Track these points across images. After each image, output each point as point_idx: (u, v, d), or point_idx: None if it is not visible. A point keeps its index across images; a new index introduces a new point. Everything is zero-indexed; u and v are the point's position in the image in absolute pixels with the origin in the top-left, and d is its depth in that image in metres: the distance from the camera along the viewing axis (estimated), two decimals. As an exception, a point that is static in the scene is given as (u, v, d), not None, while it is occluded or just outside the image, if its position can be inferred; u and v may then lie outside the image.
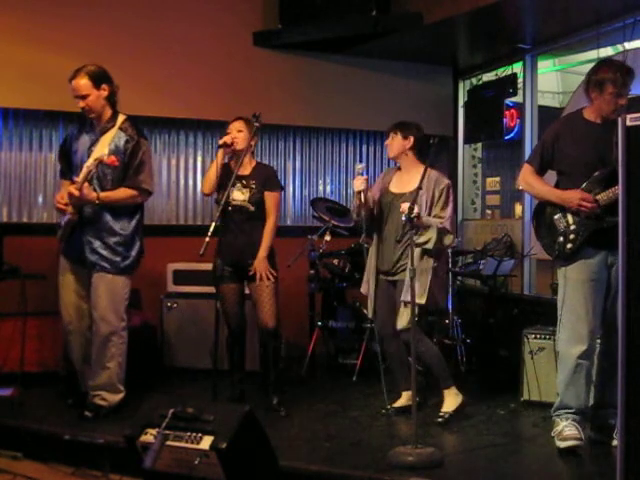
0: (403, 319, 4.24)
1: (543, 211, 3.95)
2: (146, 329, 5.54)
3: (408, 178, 4.39)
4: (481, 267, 5.71)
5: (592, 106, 3.83)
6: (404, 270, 4.21)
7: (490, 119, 6.36)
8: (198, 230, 5.48)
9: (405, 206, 3.91)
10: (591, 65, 4.13)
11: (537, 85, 6.22)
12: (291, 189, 6.82)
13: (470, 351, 5.50)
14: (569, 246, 3.78)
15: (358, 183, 4.27)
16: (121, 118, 4.32)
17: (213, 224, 4.02)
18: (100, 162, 4.10)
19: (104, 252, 4.26)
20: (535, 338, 4.71)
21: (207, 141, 6.52)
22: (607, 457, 3.62)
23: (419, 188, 4.02)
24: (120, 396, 4.37)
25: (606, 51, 5.59)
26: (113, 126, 4.28)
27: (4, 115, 5.85)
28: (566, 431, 3.76)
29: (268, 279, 4.43)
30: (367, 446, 3.90)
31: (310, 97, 6.49)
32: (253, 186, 4.49)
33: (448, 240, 4.29)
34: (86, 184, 4.14)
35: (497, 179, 7.00)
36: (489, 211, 7.07)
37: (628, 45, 5.25)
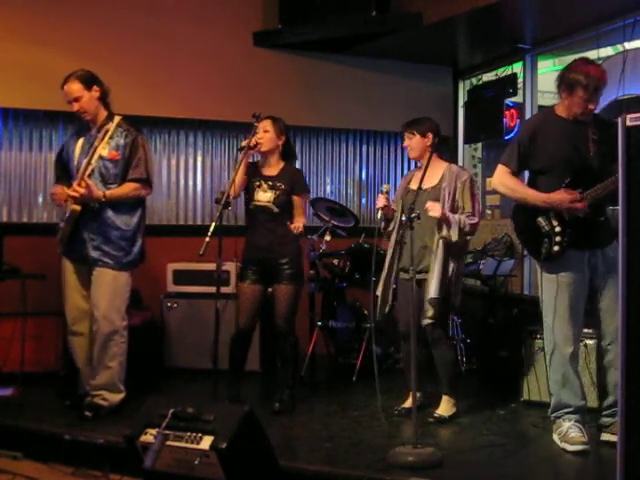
0: (429, 313, 4.24)
1: (523, 214, 3.89)
2: (146, 329, 5.54)
3: (429, 175, 4.18)
4: (481, 267, 5.71)
5: (563, 104, 3.79)
6: (425, 270, 4.25)
7: (490, 119, 6.35)
8: (198, 230, 5.49)
9: (431, 204, 4.03)
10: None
11: (537, 85, 6.22)
12: (291, 189, 6.82)
13: (470, 351, 5.50)
14: (556, 248, 3.74)
15: (379, 201, 4.26)
16: (117, 118, 4.36)
17: (213, 224, 4.02)
18: (101, 157, 4.18)
19: (106, 247, 4.28)
20: (535, 338, 4.71)
21: (207, 141, 6.52)
22: (607, 457, 3.62)
23: (419, 188, 3.97)
24: (121, 396, 4.37)
25: (606, 51, 5.59)
26: (111, 125, 4.30)
27: (4, 115, 5.85)
28: (571, 433, 3.77)
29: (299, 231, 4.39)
30: (367, 446, 3.89)
31: (310, 97, 6.49)
32: (281, 188, 4.48)
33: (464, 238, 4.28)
34: (92, 182, 4.16)
35: (497, 179, 6.98)
36: (489, 211, 7.06)
37: (628, 45, 5.25)
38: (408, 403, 4.45)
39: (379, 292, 4.43)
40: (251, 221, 4.56)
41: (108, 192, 4.23)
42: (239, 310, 4.53)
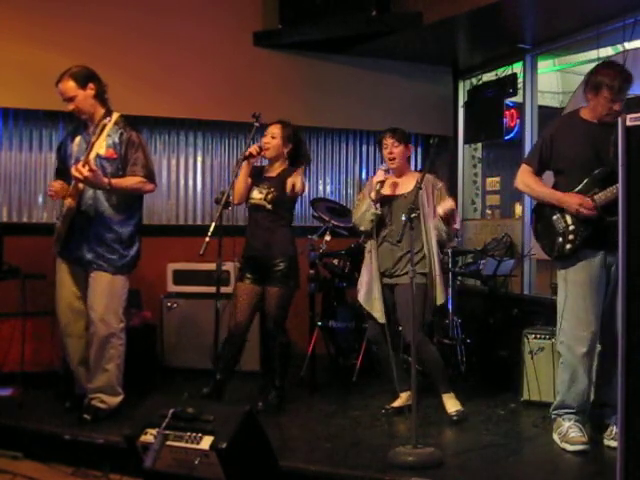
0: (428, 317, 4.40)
1: (541, 211, 3.96)
2: (146, 329, 5.54)
3: (403, 181, 4.48)
4: (481, 267, 5.71)
5: (588, 106, 3.85)
6: (406, 273, 4.25)
7: (490, 119, 6.36)
8: (198, 230, 5.48)
9: (446, 205, 4.22)
10: (591, 65, 4.13)
11: (537, 85, 6.22)
12: (291, 189, 6.82)
13: (470, 351, 5.49)
14: (568, 246, 3.78)
15: (378, 175, 4.43)
16: (115, 115, 4.23)
17: (213, 224, 4.02)
18: (98, 155, 4.08)
19: (100, 250, 4.19)
20: (535, 338, 4.72)
21: (207, 141, 6.53)
22: (607, 457, 3.62)
23: (419, 188, 4.07)
24: (119, 399, 4.32)
25: (606, 51, 5.59)
26: (108, 123, 4.16)
27: (4, 115, 5.85)
28: (571, 433, 3.78)
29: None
30: (367, 446, 3.89)
31: (310, 97, 6.48)
32: (273, 185, 4.48)
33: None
34: (97, 168, 4.01)
35: (497, 179, 6.98)
36: (489, 211, 7.06)
37: (628, 45, 5.25)
38: (397, 403, 4.53)
39: (361, 297, 4.57)
40: (249, 221, 4.59)
41: (113, 180, 4.09)
42: (235, 309, 4.45)
